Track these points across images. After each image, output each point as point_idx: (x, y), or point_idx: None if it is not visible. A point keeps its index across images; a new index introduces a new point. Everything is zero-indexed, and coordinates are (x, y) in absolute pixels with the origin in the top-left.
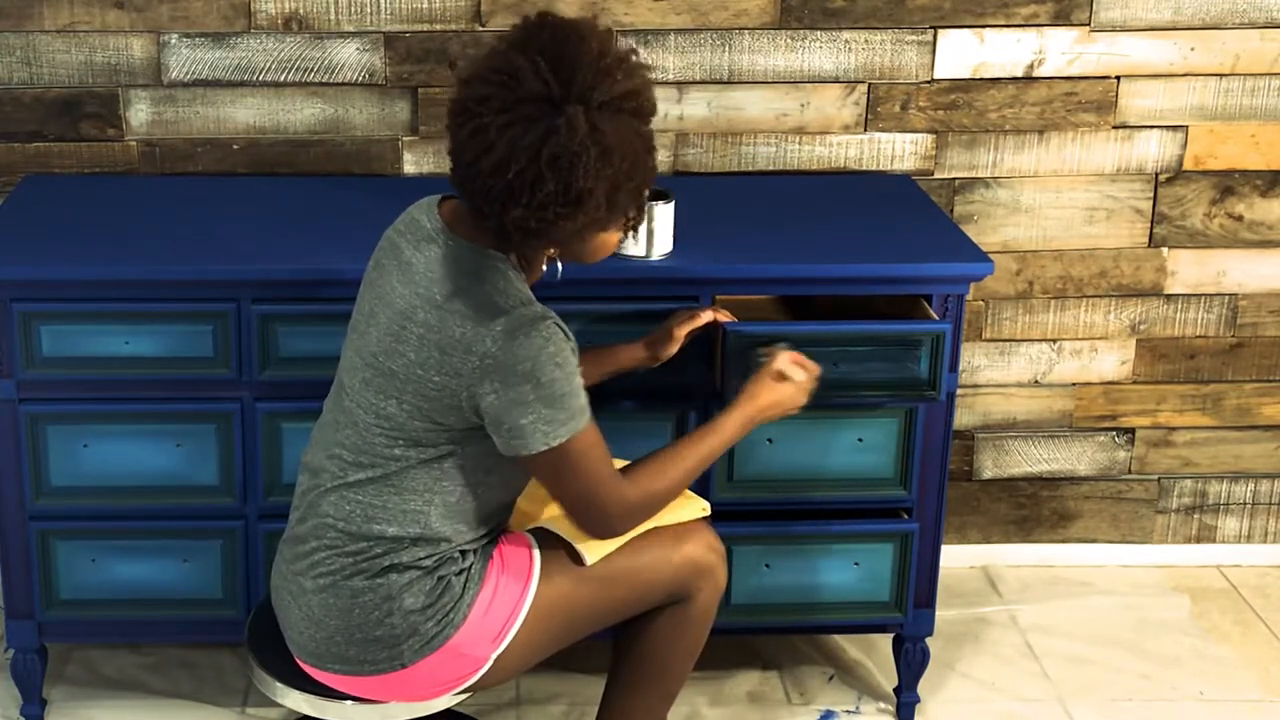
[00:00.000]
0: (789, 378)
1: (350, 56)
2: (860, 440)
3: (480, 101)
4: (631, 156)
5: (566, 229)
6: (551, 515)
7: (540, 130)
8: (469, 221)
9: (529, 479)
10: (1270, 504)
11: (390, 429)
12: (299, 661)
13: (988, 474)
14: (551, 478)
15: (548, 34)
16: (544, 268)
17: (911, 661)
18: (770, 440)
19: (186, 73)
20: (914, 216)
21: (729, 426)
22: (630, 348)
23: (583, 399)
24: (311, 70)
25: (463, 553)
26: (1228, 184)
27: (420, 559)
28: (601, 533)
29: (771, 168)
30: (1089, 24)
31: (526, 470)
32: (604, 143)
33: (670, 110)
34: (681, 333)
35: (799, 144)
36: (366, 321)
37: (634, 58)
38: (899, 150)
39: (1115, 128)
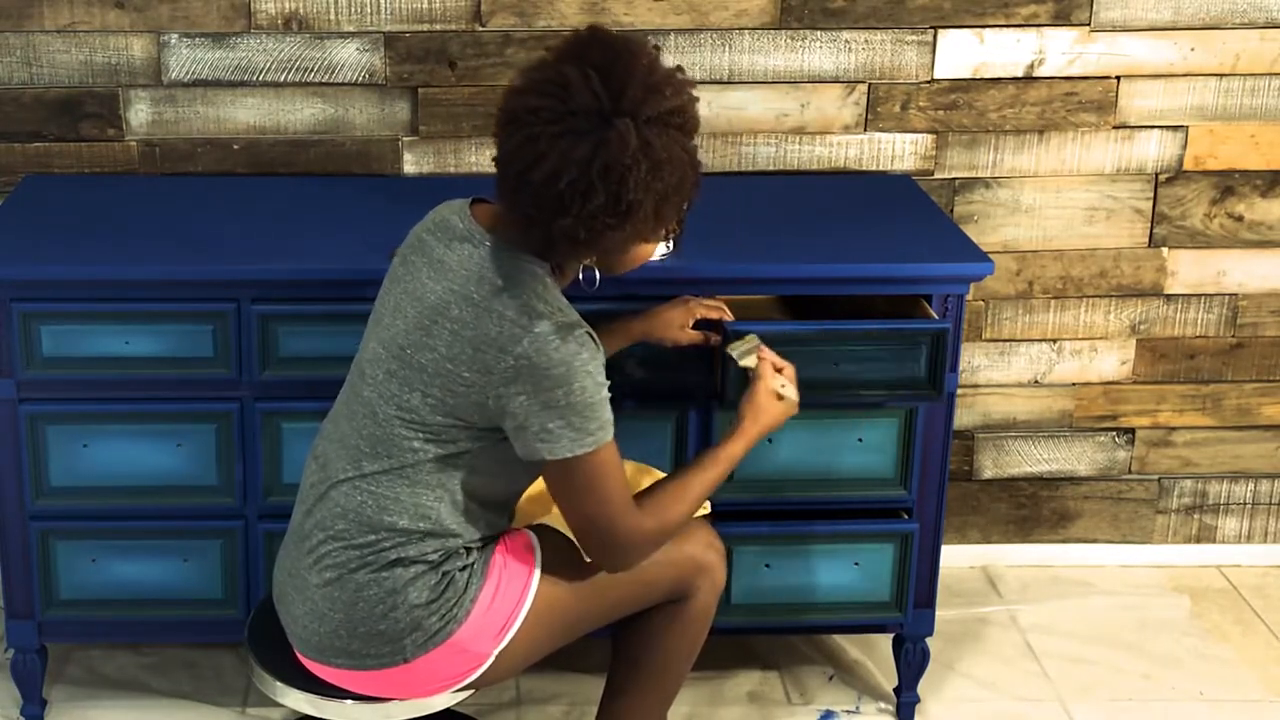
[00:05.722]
0: (782, 395)
1: (350, 56)
2: (860, 440)
3: (531, 112)
4: (680, 171)
5: (613, 239)
6: (554, 513)
7: (591, 142)
8: (506, 225)
9: (535, 478)
10: (1270, 504)
11: (411, 421)
12: (300, 657)
13: (988, 474)
14: (568, 490)
15: (597, 49)
16: (579, 276)
17: (911, 661)
18: (770, 440)
19: (186, 73)
20: (914, 216)
21: (736, 450)
22: (628, 328)
23: (609, 412)
24: (311, 70)
25: (467, 549)
26: (1228, 184)
27: (427, 553)
28: (609, 561)
29: (771, 168)
30: (1089, 24)
31: (544, 476)
32: (655, 156)
33: None
34: (690, 320)
35: (799, 144)
36: (392, 315)
37: (680, 75)
38: (899, 150)
39: (1115, 128)
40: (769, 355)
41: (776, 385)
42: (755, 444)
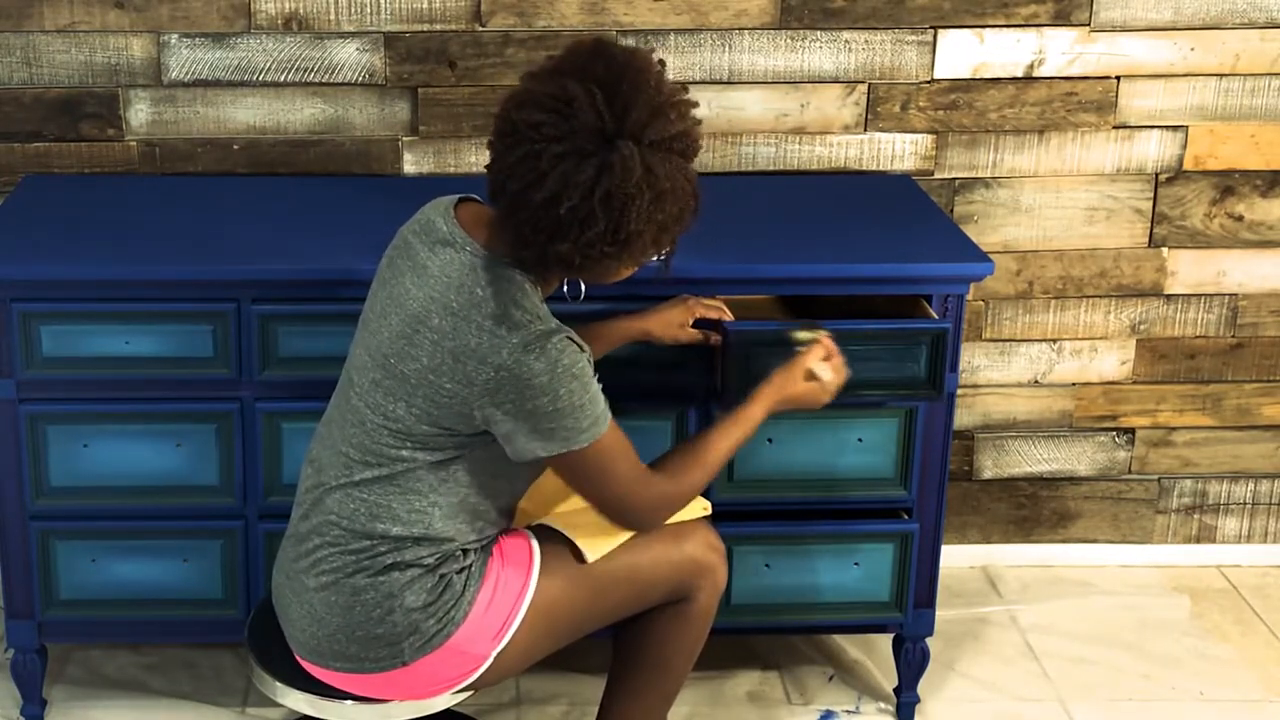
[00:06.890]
0: (818, 376)
1: (350, 56)
2: (860, 440)
3: (532, 127)
4: (681, 201)
5: (609, 267)
6: (553, 513)
7: (594, 165)
8: (494, 234)
9: (532, 482)
10: (1270, 504)
11: (397, 430)
12: (299, 659)
13: (988, 474)
14: (577, 479)
15: (603, 64)
16: (563, 287)
17: (911, 661)
18: (770, 440)
19: (186, 73)
20: (914, 216)
21: (756, 416)
22: (627, 326)
23: (602, 404)
24: (311, 70)
25: (464, 551)
26: (1228, 184)
27: (422, 557)
28: (636, 527)
29: (771, 168)
30: (1089, 24)
31: (551, 471)
32: (658, 186)
33: None
34: (690, 320)
35: (799, 144)
36: (378, 320)
37: (684, 96)
38: (899, 150)
39: (1115, 128)
40: (827, 343)
41: (814, 364)
42: (776, 411)
